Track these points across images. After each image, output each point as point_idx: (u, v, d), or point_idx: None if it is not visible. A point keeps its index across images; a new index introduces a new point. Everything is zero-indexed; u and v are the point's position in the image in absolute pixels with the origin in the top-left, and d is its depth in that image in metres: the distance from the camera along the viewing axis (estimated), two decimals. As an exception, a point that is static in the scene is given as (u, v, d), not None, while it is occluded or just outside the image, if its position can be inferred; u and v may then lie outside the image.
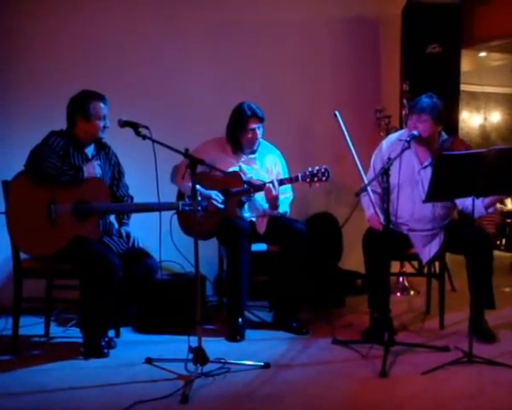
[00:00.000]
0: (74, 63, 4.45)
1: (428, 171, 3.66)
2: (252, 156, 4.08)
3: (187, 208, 3.52)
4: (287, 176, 4.05)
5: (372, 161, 3.93)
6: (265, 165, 4.10)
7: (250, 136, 3.97)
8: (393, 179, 3.63)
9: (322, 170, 3.79)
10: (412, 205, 3.78)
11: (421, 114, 3.67)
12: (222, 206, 3.87)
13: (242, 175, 3.95)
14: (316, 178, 3.79)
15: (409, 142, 3.56)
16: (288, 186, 4.03)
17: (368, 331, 3.73)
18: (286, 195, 4.05)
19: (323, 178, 3.79)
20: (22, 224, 3.38)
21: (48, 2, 4.45)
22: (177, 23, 4.73)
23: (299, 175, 3.82)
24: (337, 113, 3.80)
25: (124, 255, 3.53)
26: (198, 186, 3.87)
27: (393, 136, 4.01)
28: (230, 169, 3.96)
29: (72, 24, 4.46)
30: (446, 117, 3.84)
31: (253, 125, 3.95)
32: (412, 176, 3.77)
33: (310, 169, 3.80)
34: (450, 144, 3.69)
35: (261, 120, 3.97)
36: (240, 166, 4.03)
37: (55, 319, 4.06)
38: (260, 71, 4.93)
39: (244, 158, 4.06)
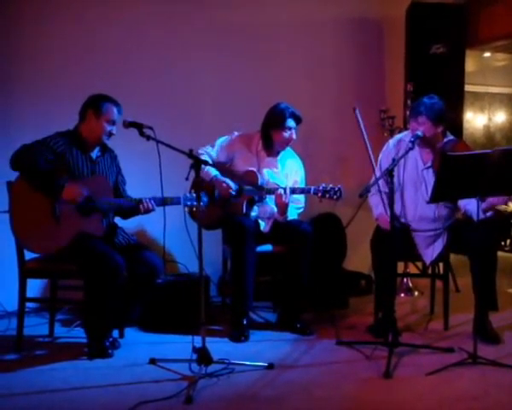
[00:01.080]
0: (78, 65, 4.45)
1: (431, 171, 3.70)
2: (274, 159, 4.07)
3: (189, 203, 3.53)
4: (304, 185, 4.06)
5: (379, 160, 3.94)
6: (285, 170, 4.09)
7: (286, 135, 3.96)
8: (398, 180, 3.64)
9: (336, 189, 3.77)
10: (415, 205, 3.79)
11: (418, 117, 3.67)
12: (234, 193, 3.88)
13: (259, 176, 3.95)
14: (327, 195, 3.77)
15: (413, 142, 3.57)
16: (302, 197, 4.04)
17: (373, 327, 3.77)
18: (298, 205, 4.06)
19: (335, 197, 3.77)
20: (26, 221, 3.39)
21: (50, 4, 4.45)
22: (181, 24, 4.73)
23: (312, 188, 3.81)
24: (357, 109, 3.78)
25: (126, 249, 3.54)
26: (216, 172, 3.92)
27: (399, 136, 4.02)
28: (249, 168, 3.98)
29: (76, 25, 4.46)
30: (448, 117, 3.81)
31: (291, 125, 3.96)
32: (416, 176, 3.78)
33: (324, 185, 3.78)
34: (451, 146, 3.68)
35: (299, 120, 3.98)
36: (259, 169, 4.01)
37: (60, 319, 4.06)
38: (264, 71, 4.92)
39: (266, 159, 4.06)
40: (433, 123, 3.66)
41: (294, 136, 4.00)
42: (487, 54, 6.78)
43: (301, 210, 4.10)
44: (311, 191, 3.82)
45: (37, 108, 4.35)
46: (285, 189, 3.82)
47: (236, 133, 4.10)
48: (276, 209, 3.94)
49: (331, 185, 3.78)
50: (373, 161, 3.76)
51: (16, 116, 4.36)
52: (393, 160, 3.45)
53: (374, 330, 3.77)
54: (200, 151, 3.96)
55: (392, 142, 3.96)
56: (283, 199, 3.80)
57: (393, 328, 3.49)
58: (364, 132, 3.76)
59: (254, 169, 3.98)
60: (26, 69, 4.40)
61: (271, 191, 3.86)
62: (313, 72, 5.15)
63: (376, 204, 3.86)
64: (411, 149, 3.58)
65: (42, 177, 3.35)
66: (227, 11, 4.85)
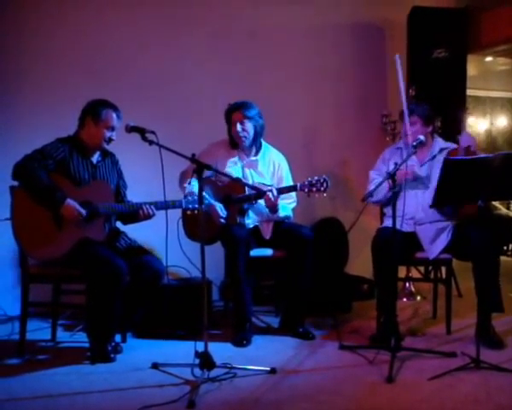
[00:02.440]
0: (80, 69, 4.47)
1: (425, 167, 3.84)
2: (254, 159, 4.07)
3: (190, 206, 3.53)
4: (290, 180, 4.06)
5: (377, 164, 4.00)
6: (268, 168, 4.09)
7: (237, 129, 3.94)
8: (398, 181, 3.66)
9: (321, 180, 3.73)
10: (416, 198, 3.84)
11: (411, 117, 3.82)
12: (223, 221, 3.85)
13: (245, 182, 3.95)
14: (314, 188, 3.74)
15: (415, 147, 3.61)
16: (292, 192, 4.03)
17: (375, 337, 3.75)
18: (289, 200, 4.05)
19: (322, 189, 3.73)
20: (28, 227, 3.38)
21: (51, 7, 4.46)
22: (184, 29, 4.76)
23: (298, 185, 3.81)
24: (398, 57, 3.72)
25: (128, 253, 3.54)
26: (204, 193, 3.88)
27: (393, 146, 4.13)
28: (232, 172, 3.95)
29: (78, 29, 4.49)
30: (435, 120, 4.02)
31: (236, 119, 3.93)
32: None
33: (309, 179, 3.76)
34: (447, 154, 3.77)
35: (244, 115, 3.92)
36: (243, 171, 4.02)
37: (62, 323, 4.07)
38: (266, 76, 4.94)
39: (246, 160, 4.06)
40: (424, 122, 3.86)
41: (239, 128, 3.93)
42: (489, 58, 6.80)
43: (294, 204, 4.09)
44: (298, 188, 3.81)
45: (44, 115, 4.37)
46: (271, 190, 3.81)
47: (211, 142, 4.10)
48: (268, 210, 3.94)
49: (316, 177, 3.75)
50: (407, 118, 3.75)
51: (23, 122, 4.38)
52: (395, 164, 3.48)
53: (376, 339, 3.73)
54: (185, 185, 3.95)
55: (388, 150, 4.06)
56: (273, 201, 3.80)
57: (396, 332, 3.48)
58: (402, 83, 3.71)
59: (239, 176, 3.97)
60: (28, 72, 4.41)
61: (260, 196, 3.84)
62: (315, 77, 5.16)
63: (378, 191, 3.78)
64: (414, 153, 3.64)
65: (41, 192, 3.35)
66: (229, 16, 4.87)
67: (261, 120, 3.99)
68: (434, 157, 3.88)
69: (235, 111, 3.95)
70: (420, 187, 3.86)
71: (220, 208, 3.86)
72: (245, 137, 3.97)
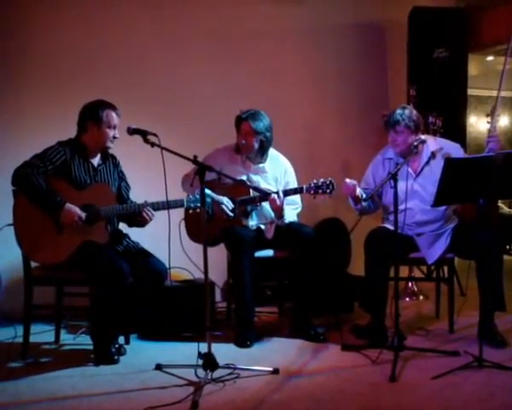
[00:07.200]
0: (84, 72, 4.49)
1: (422, 178, 3.77)
2: (260, 166, 4.08)
3: (192, 205, 3.54)
4: (296, 185, 4.06)
5: (368, 170, 4.01)
6: (274, 174, 4.10)
7: (243, 141, 3.96)
8: (391, 197, 3.62)
9: (327, 182, 3.77)
10: (413, 214, 3.79)
11: (397, 126, 3.74)
12: (231, 214, 3.87)
13: (249, 184, 3.95)
14: (320, 191, 3.77)
15: (416, 147, 3.63)
16: (297, 197, 4.04)
17: (359, 328, 3.83)
18: (294, 206, 4.06)
19: (328, 191, 3.77)
20: (30, 232, 3.40)
21: (57, 8, 4.48)
22: (188, 32, 4.78)
23: (304, 187, 3.83)
24: None
25: (131, 255, 3.55)
26: (210, 191, 3.88)
27: (386, 154, 3.98)
28: (238, 178, 3.96)
29: (80, 31, 4.51)
30: (423, 124, 3.89)
31: (243, 130, 3.93)
32: (409, 187, 3.74)
33: (315, 181, 3.78)
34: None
35: (251, 127, 3.91)
36: (248, 176, 4.03)
37: (66, 326, 4.08)
38: (268, 78, 4.96)
39: (252, 167, 4.06)
40: (411, 130, 3.74)
41: (243, 142, 3.94)
42: (490, 57, 6.80)
43: (299, 210, 4.11)
44: (304, 190, 3.82)
45: (47, 118, 4.39)
46: (277, 192, 3.82)
47: (217, 148, 4.11)
48: (273, 214, 3.95)
49: (322, 180, 3.77)
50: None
51: (25, 126, 4.40)
52: (396, 164, 3.49)
53: (358, 331, 3.82)
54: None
55: (380, 157, 3.98)
56: (278, 203, 3.81)
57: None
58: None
59: (244, 179, 3.98)
60: (34, 76, 4.44)
61: (264, 198, 3.86)
62: (317, 77, 5.18)
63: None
64: (416, 153, 3.67)
65: (39, 198, 3.36)
66: (232, 21, 4.89)
67: (269, 134, 3.97)
68: (428, 163, 3.81)
69: (244, 121, 3.93)
70: (418, 202, 3.79)
71: (227, 201, 3.86)
72: (248, 150, 3.98)
